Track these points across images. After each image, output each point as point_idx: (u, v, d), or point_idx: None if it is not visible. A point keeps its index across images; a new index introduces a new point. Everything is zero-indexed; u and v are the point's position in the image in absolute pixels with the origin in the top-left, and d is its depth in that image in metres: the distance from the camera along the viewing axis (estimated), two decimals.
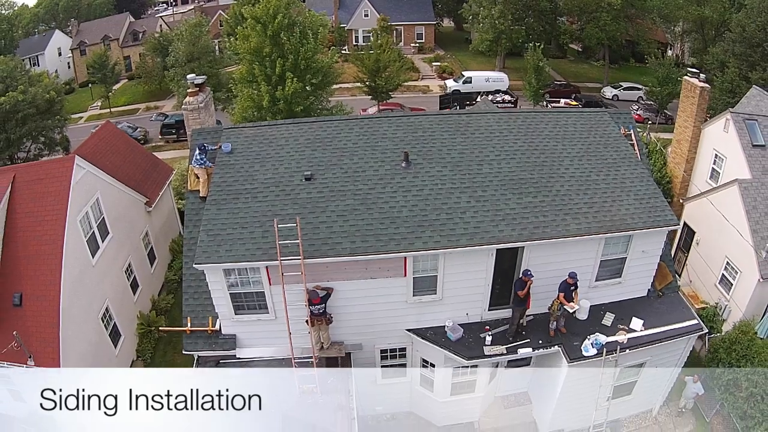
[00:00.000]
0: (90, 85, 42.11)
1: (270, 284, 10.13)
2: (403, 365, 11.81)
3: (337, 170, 11.24)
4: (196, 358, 11.20)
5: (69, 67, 47.36)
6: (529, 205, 10.72)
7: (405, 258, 10.00)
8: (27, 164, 14.21)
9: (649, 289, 12.16)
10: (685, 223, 16.28)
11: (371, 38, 33.17)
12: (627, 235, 10.80)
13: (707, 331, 12.11)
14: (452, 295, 10.68)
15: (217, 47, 35.06)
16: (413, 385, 12.08)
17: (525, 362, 12.60)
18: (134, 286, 15.12)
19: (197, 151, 11.80)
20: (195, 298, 11.25)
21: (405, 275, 10.26)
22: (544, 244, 10.29)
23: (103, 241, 13.63)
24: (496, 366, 12.14)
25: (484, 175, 11.20)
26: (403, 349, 11.47)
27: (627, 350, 10.96)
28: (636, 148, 13.07)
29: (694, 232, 16.05)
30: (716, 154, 16.07)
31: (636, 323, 11.46)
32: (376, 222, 10.23)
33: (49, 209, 12.39)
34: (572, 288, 10.53)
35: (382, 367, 11.68)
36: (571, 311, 10.69)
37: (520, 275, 10.31)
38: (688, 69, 16.36)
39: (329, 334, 10.57)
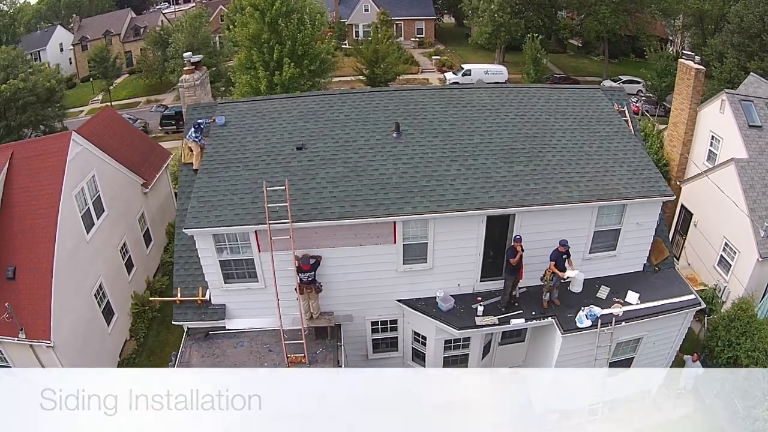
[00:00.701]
0: (91, 79, 42.49)
1: (259, 251, 10.10)
2: (395, 340, 11.72)
3: (329, 140, 11.24)
4: (185, 330, 11.15)
5: (71, 63, 47.72)
6: (520, 173, 10.66)
7: (394, 223, 9.96)
8: (25, 141, 14.39)
9: (644, 264, 12.02)
10: (682, 206, 16.14)
11: (371, 32, 33.37)
12: (620, 204, 10.70)
13: (705, 307, 11.92)
14: (443, 265, 10.60)
15: (217, 41, 35.39)
16: (405, 359, 11.94)
17: (519, 338, 12.47)
18: (129, 265, 15.14)
19: (192, 129, 11.85)
20: (186, 269, 11.22)
21: (395, 242, 10.20)
22: (536, 211, 10.21)
23: (98, 218, 13.68)
24: (490, 341, 12.01)
25: (475, 145, 11.17)
26: (395, 322, 11.36)
27: (623, 323, 10.80)
28: (630, 124, 13.00)
29: (691, 214, 15.89)
30: (713, 136, 15.95)
31: (632, 297, 11.29)
32: (366, 188, 10.20)
33: (45, 184, 12.47)
34: (564, 256, 10.41)
35: (373, 340, 11.58)
36: (563, 280, 10.56)
37: (512, 242, 10.22)
38: (683, 52, 16.26)
39: (319, 304, 10.49)
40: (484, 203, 10.01)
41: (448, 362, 11.59)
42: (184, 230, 9.94)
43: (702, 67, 15.34)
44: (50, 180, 12.47)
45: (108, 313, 13.78)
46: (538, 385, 12.08)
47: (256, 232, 9.85)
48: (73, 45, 47.94)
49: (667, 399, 13.07)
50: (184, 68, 13.46)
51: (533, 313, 10.75)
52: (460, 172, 10.52)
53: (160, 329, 14.97)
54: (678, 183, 16.29)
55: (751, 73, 19.39)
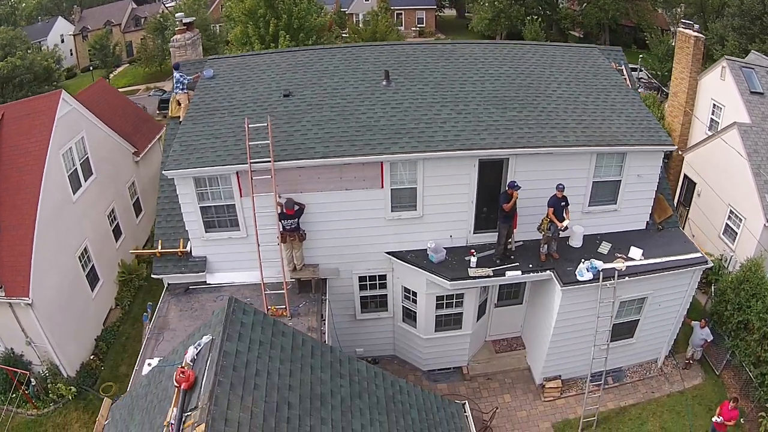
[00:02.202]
0: (91, 68, 42.51)
1: (241, 196, 9.69)
2: (384, 298, 11.15)
3: (316, 88, 10.93)
4: (166, 286, 10.68)
5: (71, 54, 47.71)
6: (513, 119, 10.25)
7: (381, 165, 9.52)
8: (16, 102, 14.20)
9: (647, 222, 11.45)
10: (685, 176, 15.59)
11: (371, 19, 33.34)
12: (619, 151, 10.21)
13: (709, 268, 11.26)
14: (434, 213, 10.12)
15: (217, 29, 35.56)
16: (396, 321, 11.37)
17: (516, 300, 11.85)
18: (117, 233, 14.81)
19: (175, 74, 11.58)
20: (167, 221, 10.83)
21: (382, 186, 9.76)
22: (530, 154, 9.77)
23: (85, 181, 13.43)
24: (485, 302, 11.39)
25: (467, 93, 10.81)
26: (383, 278, 10.84)
27: (626, 278, 10.19)
28: (628, 81, 12.56)
29: (694, 184, 15.31)
30: (714, 104, 15.50)
31: (635, 252, 10.71)
32: (352, 130, 9.83)
33: (33, 141, 12.28)
34: (562, 203, 9.89)
35: (361, 298, 11.03)
36: (561, 230, 10.00)
37: (506, 188, 9.70)
38: (682, 21, 15.89)
39: (303, 254, 10.01)
40: (476, 144, 9.56)
41: (441, 323, 11.00)
42: (163, 172, 9.60)
43: (701, 35, 14.94)
44: (38, 137, 12.26)
45: (93, 278, 13.38)
46: (537, 351, 11.44)
47: (237, 173, 9.47)
48: (73, 35, 47.90)
49: (675, 370, 12.33)
50: (176, 28, 13.30)
51: (530, 265, 10.19)
52: (450, 116, 10.11)
53: (146, 298, 14.46)
54: (680, 152, 15.75)
55: (753, 51, 18.95)
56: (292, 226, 9.57)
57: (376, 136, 9.67)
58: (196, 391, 6.33)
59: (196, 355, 6.87)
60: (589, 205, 10.73)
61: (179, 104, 11.70)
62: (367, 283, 10.87)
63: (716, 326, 12.27)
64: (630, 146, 10.19)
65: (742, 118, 14.48)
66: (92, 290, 13.23)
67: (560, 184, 9.75)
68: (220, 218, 10.04)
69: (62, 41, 47.12)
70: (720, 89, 15.25)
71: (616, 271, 10.19)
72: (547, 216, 9.87)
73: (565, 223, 9.90)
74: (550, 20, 37.15)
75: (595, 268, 10.14)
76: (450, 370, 11.85)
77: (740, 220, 13.94)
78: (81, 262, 12.91)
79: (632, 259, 10.63)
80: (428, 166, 9.63)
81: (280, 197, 9.56)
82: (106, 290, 13.94)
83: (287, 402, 6.43)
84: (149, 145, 16.54)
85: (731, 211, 14.10)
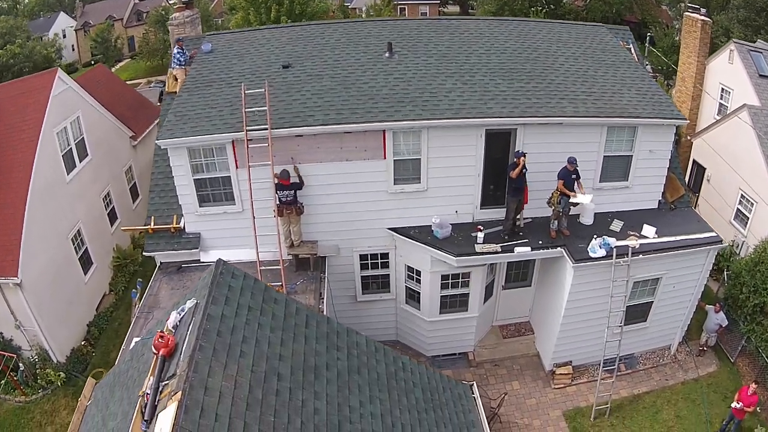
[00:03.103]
0: (93, 63, 40.95)
1: (237, 167, 8.97)
2: (386, 278, 10.34)
3: (317, 60, 10.27)
4: (158, 265, 9.93)
5: (73, 49, 46.52)
6: (521, 89, 9.55)
7: (384, 134, 8.80)
8: (12, 81, 13.64)
9: (659, 201, 10.66)
10: (694, 161, 14.80)
11: (374, 12, 32.72)
12: (631, 124, 9.48)
13: (726, 245, 10.46)
14: (438, 187, 9.37)
15: (220, 23, 34.90)
16: (398, 303, 10.56)
17: (525, 282, 11.03)
18: (113, 217, 14.09)
19: (175, 49, 10.95)
20: (161, 197, 10.11)
21: (384, 157, 9.03)
22: (539, 124, 9.05)
23: (80, 161, 12.78)
24: (492, 282, 10.57)
25: (473, 65, 10.13)
26: (386, 256, 10.06)
27: (640, 255, 9.39)
28: (636, 58, 11.84)
29: (704, 169, 14.53)
30: (722, 88, 14.80)
31: (648, 230, 9.90)
32: (353, 99, 9.13)
33: (27, 119, 11.69)
34: (573, 177, 9.11)
35: (362, 278, 10.24)
36: (573, 205, 9.21)
37: (514, 158, 8.95)
38: (689, 5, 15.26)
39: (300, 229, 9.24)
40: (482, 113, 8.84)
41: (446, 305, 10.18)
42: (156, 142, 8.91)
43: (708, 18, 14.26)
44: (32, 115, 11.65)
45: (86, 262, 12.64)
46: (546, 336, 10.60)
47: (233, 142, 8.75)
48: (75, 30, 46.73)
49: (689, 357, 11.46)
50: (176, 6, 12.69)
51: (540, 242, 9.40)
52: (456, 86, 9.42)
53: (142, 284, 13.72)
54: (689, 138, 14.99)
55: (759, 40, 18.24)
56: (289, 199, 8.82)
57: (379, 104, 8.96)
58: (175, 358, 5.57)
59: (179, 321, 6.11)
60: (600, 181, 9.95)
61: (176, 80, 11.05)
62: (369, 261, 10.08)
63: (731, 311, 11.39)
64: (642, 119, 9.45)
65: (752, 101, 13.77)
66: (85, 274, 12.47)
67: (572, 158, 8.98)
68: (214, 191, 9.30)
69: (64, 36, 45.69)
70: (728, 73, 14.57)
71: (630, 249, 9.43)
72: (557, 189, 9.13)
73: (578, 199, 9.13)
74: (554, 15, 36.48)
75: (608, 244, 9.34)
76: (455, 356, 10.99)
77: (752, 204, 13.11)
78: (74, 244, 12.18)
79: (645, 237, 9.84)
80: (433, 136, 8.90)
81: (296, 165, 8.82)
82: (100, 275, 13.18)
83: (277, 373, 5.64)
84: (147, 130, 15.87)
85: (742, 196, 13.29)
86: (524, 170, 9.00)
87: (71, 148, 12.38)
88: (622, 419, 10.28)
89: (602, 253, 9.27)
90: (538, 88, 9.59)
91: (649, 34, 21.36)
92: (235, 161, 8.96)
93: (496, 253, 9.12)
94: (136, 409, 5.44)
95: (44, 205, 11.35)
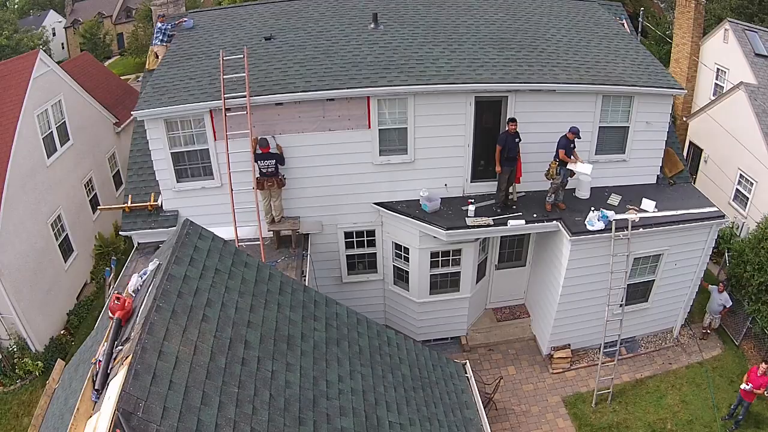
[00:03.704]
0: None
1: (215, 138, 8.36)
2: (373, 258, 9.69)
3: (300, 32, 9.73)
4: (135, 245, 9.29)
5: (63, 48, 45.59)
6: (511, 58, 8.98)
7: (368, 101, 8.20)
8: None
9: (658, 175, 10.07)
10: (690, 143, 14.23)
11: None
12: (626, 92, 8.93)
13: (727, 219, 9.80)
14: (427, 158, 8.77)
15: None
16: (386, 284, 9.89)
17: (519, 262, 10.38)
18: (95, 204, 13.41)
19: (157, 25, 10.41)
20: (139, 175, 9.52)
21: (369, 127, 8.43)
22: (531, 92, 8.47)
23: (61, 146, 12.18)
24: (485, 261, 9.92)
25: (461, 35, 9.57)
26: (372, 234, 9.42)
27: (640, 229, 8.77)
28: (629, 31, 11.32)
29: (701, 151, 13.96)
30: (718, 68, 14.29)
31: (647, 204, 9.30)
32: (336, 66, 8.56)
33: (7, 101, 11.11)
34: (572, 146, 8.51)
35: (347, 258, 9.59)
36: (575, 171, 8.60)
37: (506, 125, 8.36)
38: None
39: (282, 204, 8.62)
40: (471, 79, 8.26)
41: (436, 285, 9.54)
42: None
43: None
44: (13, 97, 11.08)
45: (67, 249, 12.00)
46: (543, 319, 9.93)
47: (211, 112, 8.16)
48: (65, 28, 45.86)
49: (693, 341, 10.78)
50: None
51: (535, 215, 8.79)
52: (443, 54, 8.86)
53: (124, 273, 13.04)
54: (684, 119, 14.43)
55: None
56: (270, 169, 8.21)
57: (363, 71, 8.39)
58: (132, 322, 4.92)
59: (141, 285, 5.48)
60: (596, 153, 9.37)
61: (157, 57, 10.49)
62: (354, 239, 9.43)
63: (734, 291, 10.74)
64: (638, 87, 8.89)
65: (748, 80, 13.20)
66: (65, 261, 11.80)
67: (574, 127, 8.38)
68: (192, 166, 8.69)
69: (54, 34, 44.72)
70: (723, 53, 14.08)
71: (630, 222, 8.80)
72: (555, 159, 8.51)
73: (579, 167, 8.48)
74: None
75: (606, 217, 8.72)
76: (447, 341, 10.30)
77: (751, 184, 12.52)
78: (54, 230, 11.54)
79: (645, 212, 9.24)
80: (419, 103, 8.30)
81: (274, 137, 8.25)
82: (81, 263, 12.51)
83: (244, 340, 4.97)
84: (131, 117, 15.15)
85: (741, 176, 12.70)
86: (517, 139, 8.44)
87: (52, 132, 11.80)
88: (625, 405, 9.57)
89: (600, 225, 8.64)
90: (530, 57, 9.03)
91: (640, 19, 20.88)
92: (214, 133, 8.35)
93: (489, 226, 8.47)
94: (87, 377, 4.80)
95: (23, 188, 10.74)
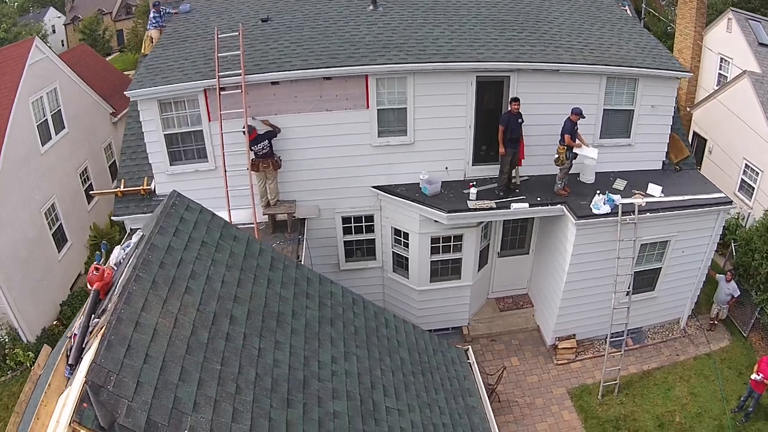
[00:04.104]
0: None
1: (209, 119, 7.98)
2: (372, 244, 9.27)
3: (297, 14, 9.39)
4: (128, 231, 8.90)
5: (63, 45, 44.53)
6: (513, 38, 8.62)
7: (366, 80, 7.82)
8: None
9: (664, 161, 9.66)
10: (694, 133, 13.82)
11: None
12: (631, 74, 8.55)
13: (734, 205, 9.39)
14: (427, 140, 8.38)
15: None
16: (385, 272, 9.46)
17: (522, 250, 9.95)
18: (90, 195, 12.96)
19: (152, 12, 10.09)
20: (132, 158, 9.17)
21: (367, 107, 8.05)
22: (534, 72, 8.09)
23: (56, 134, 11.83)
24: (487, 248, 9.50)
25: (462, 15, 9.20)
26: (370, 219, 9.00)
27: (647, 213, 8.36)
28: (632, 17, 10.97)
29: (704, 141, 13.56)
30: (722, 58, 13.91)
31: (654, 189, 8.89)
32: (334, 46, 8.20)
33: (2, 87, 10.81)
34: (576, 128, 8.12)
35: (345, 244, 9.16)
36: (580, 153, 8.21)
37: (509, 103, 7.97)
38: None
39: (277, 186, 8.22)
40: (472, 58, 7.88)
41: (437, 272, 9.11)
42: (125, 93, 7.93)
43: None
44: (7, 84, 10.76)
45: (60, 238, 11.60)
46: (547, 308, 9.49)
47: (206, 92, 7.80)
48: (65, 25, 45.32)
49: (700, 332, 10.31)
50: None
51: (538, 199, 8.38)
52: (444, 34, 8.49)
53: None
54: (688, 110, 14.04)
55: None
56: (265, 150, 7.81)
57: (361, 50, 8.03)
58: (111, 294, 4.52)
59: (123, 258, 5.08)
60: (600, 137, 8.97)
61: (152, 41, 10.16)
62: (352, 225, 9.02)
63: (742, 280, 10.29)
64: (642, 68, 8.51)
65: (752, 69, 12.81)
66: (59, 251, 11.41)
67: (576, 108, 8.00)
68: (186, 148, 8.31)
69: (53, 31, 43.86)
70: (727, 42, 13.73)
71: (636, 206, 8.39)
72: (562, 145, 8.07)
73: (585, 151, 8.12)
74: None
75: (612, 200, 8.31)
76: (449, 331, 9.82)
77: (757, 174, 12.10)
78: (47, 219, 11.15)
79: (651, 196, 8.83)
80: (419, 83, 7.93)
81: (254, 118, 7.88)
82: (75, 253, 12.11)
83: (229, 315, 4.54)
84: (129, 108, 14.89)
85: (747, 165, 12.27)
86: (520, 120, 8.05)
87: (47, 119, 11.46)
88: (632, 397, 9.09)
89: (606, 209, 8.22)
90: (532, 38, 8.66)
91: (642, 16, 20.58)
92: (208, 114, 7.98)
93: (491, 209, 8.06)
94: (62, 352, 4.40)
95: (17, 175, 10.38)
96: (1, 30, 22.50)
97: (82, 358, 3.97)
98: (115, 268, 4.87)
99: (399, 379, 5.51)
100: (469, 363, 6.74)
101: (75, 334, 4.27)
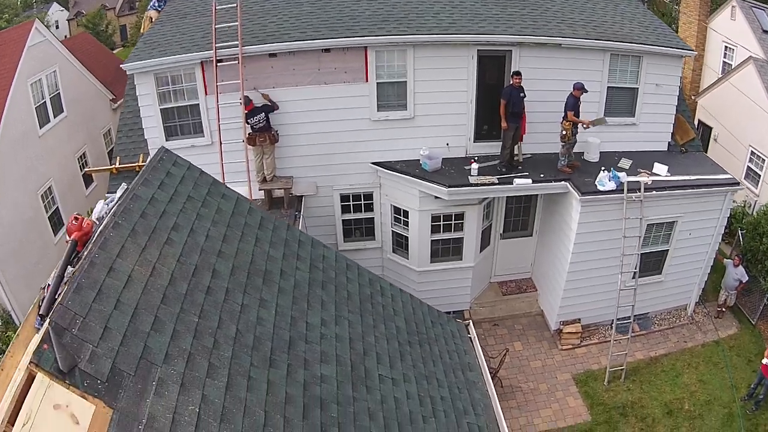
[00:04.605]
0: None
1: (206, 93, 7.69)
2: (371, 224, 8.89)
3: None
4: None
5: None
6: (515, 14, 8.32)
7: (365, 52, 7.51)
8: None
9: (669, 143, 9.27)
10: (699, 122, 13.39)
11: None
12: (635, 50, 8.22)
13: (741, 187, 8.96)
14: (427, 115, 8.03)
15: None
16: (385, 253, 9.07)
17: (526, 232, 9.53)
18: (88, 180, 12.78)
19: None
20: (128, 136, 8.90)
21: (366, 80, 7.72)
22: (537, 46, 7.76)
23: (55, 117, 11.59)
24: (489, 229, 9.10)
25: None
26: (369, 197, 8.63)
27: (653, 191, 7.96)
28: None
29: (710, 129, 13.15)
30: (726, 46, 13.58)
31: (660, 168, 8.49)
32: (333, 19, 7.92)
33: (1, 69, 10.57)
34: (579, 104, 7.75)
35: (344, 223, 8.79)
36: (591, 128, 7.86)
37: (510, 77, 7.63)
38: None
39: (274, 161, 7.88)
40: (473, 31, 7.56)
41: (438, 252, 8.71)
42: (122, 66, 7.68)
43: None
44: (7, 65, 10.57)
45: (57, 222, 11.30)
46: (551, 292, 9.06)
47: (202, 65, 7.52)
48: (68, 20, 44.91)
49: (707, 319, 9.82)
50: None
51: (542, 175, 8.00)
52: (444, 9, 8.18)
53: None
54: (693, 98, 13.65)
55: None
56: (261, 124, 7.49)
57: (360, 23, 7.73)
58: (89, 244, 4.17)
59: (107, 213, 4.74)
60: (604, 115, 8.58)
61: (151, 21, 9.94)
62: (351, 203, 8.65)
63: (750, 266, 9.81)
64: (646, 45, 8.18)
65: (757, 56, 12.46)
66: (55, 235, 11.09)
67: (578, 83, 7.66)
68: (182, 123, 8.01)
69: (57, 27, 43.23)
70: (731, 30, 13.38)
71: (642, 184, 7.99)
72: (566, 120, 7.70)
73: (590, 121, 7.77)
74: None
75: (618, 177, 7.92)
76: (450, 315, 9.33)
77: (763, 160, 11.66)
78: (44, 202, 10.88)
79: (657, 175, 8.44)
80: (419, 56, 7.62)
81: (255, 89, 7.59)
82: None
83: (211, 269, 4.15)
84: (126, 86, 14.64)
85: (753, 153, 11.85)
86: (522, 94, 7.71)
87: (45, 102, 11.24)
88: (639, 383, 8.59)
89: (612, 186, 7.83)
90: (534, 13, 8.35)
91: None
92: (205, 87, 7.70)
93: (493, 185, 7.69)
94: (33, 303, 4.05)
95: (13, 155, 10.11)
96: (2, 20, 22.44)
97: (53, 310, 3.64)
98: (98, 222, 4.53)
99: (394, 347, 5.10)
100: (470, 338, 6.33)
101: (48, 285, 3.92)
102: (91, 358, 3.00)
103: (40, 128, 11.02)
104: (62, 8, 45.93)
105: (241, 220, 4.85)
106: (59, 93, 11.73)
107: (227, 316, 3.89)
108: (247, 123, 7.54)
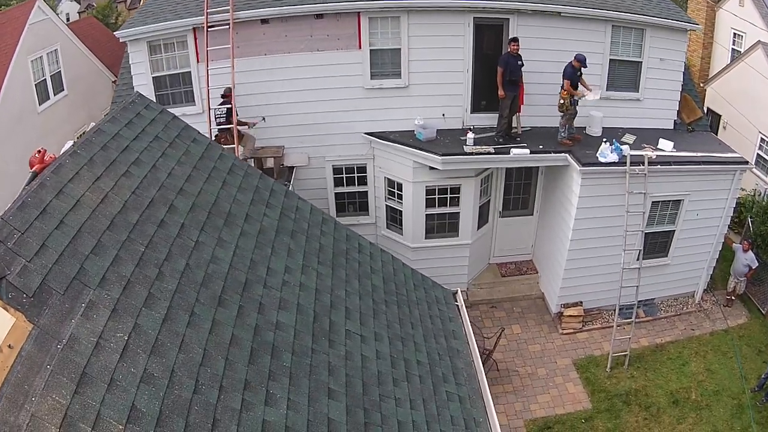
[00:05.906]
0: None
1: (198, 61, 7.50)
2: (364, 198, 8.52)
3: None
4: None
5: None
6: None
7: (359, 18, 7.22)
8: None
9: (675, 121, 8.73)
10: (708, 109, 12.72)
11: None
12: (638, 22, 7.73)
13: (751, 165, 8.33)
14: (422, 84, 7.67)
15: None
16: (379, 230, 8.67)
17: (526, 211, 9.03)
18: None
19: None
20: None
21: (359, 47, 7.41)
22: (535, 14, 7.33)
23: (55, 95, 11.62)
24: (487, 205, 8.64)
25: None
26: (363, 170, 8.28)
27: (658, 166, 7.44)
28: None
29: (719, 117, 12.49)
30: (734, 33, 12.99)
31: (665, 144, 7.95)
32: None
33: (2, 45, 10.67)
34: (578, 74, 7.31)
35: (336, 197, 8.44)
36: (589, 98, 7.38)
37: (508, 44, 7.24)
38: None
39: (251, 142, 7.46)
40: None
41: (433, 228, 8.28)
42: (115, 34, 7.61)
43: None
44: (7, 41, 10.65)
45: None
46: (552, 274, 8.55)
47: (195, 31, 7.33)
48: (79, 13, 44.47)
49: (716, 307, 9.16)
50: None
51: (541, 146, 7.55)
52: None
53: None
54: (702, 85, 13.03)
55: None
56: (221, 119, 7.08)
57: None
58: None
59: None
60: (607, 89, 8.11)
61: None
62: (344, 176, 8.31)
63: (761, 252, 9.12)
64: (650, 17, 7.69)
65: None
66: None
67: (580, 55, 7.21)
68: (174, 91, 7.84)
69: (68, 20, 45.89)
70: (739, 17, 12.73)
71: (646, 158, 7.48)
72: (564, 89, 7.26)
73: (590, 96, 7.33)
74: None
75: (620, 148, 7.41)
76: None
77: None
78: None
79: (662, 150, 7.91)
80: (414, 22, 7.28)
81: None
82: None
83: (169, 204, 3.81)
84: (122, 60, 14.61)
85: (762, 139, 11.14)
86: (520, 62, 7.31)
87: (46, 80, 11.27)
88: (644, 371, 7.96)
89: (614, 158, 7.31)
90: None
91: None
92: (197, 55, 7.52)
93: (489, 154, 7.27)
94: None
95: (12, 131, 10.11)
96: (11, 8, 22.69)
97: None
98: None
99: (367, 305, 4.67)
100: (457, 305, 5.90)
101: None
102: (21, 272, 2.71)
103: (39, 105, 11.00)
104: (76, 6, 46.80)
105: (209, 164, 4.52)
106: (60, 71, 11.74)
107: (178, 250, 3.54)
108: (212, 110, 7.23)
